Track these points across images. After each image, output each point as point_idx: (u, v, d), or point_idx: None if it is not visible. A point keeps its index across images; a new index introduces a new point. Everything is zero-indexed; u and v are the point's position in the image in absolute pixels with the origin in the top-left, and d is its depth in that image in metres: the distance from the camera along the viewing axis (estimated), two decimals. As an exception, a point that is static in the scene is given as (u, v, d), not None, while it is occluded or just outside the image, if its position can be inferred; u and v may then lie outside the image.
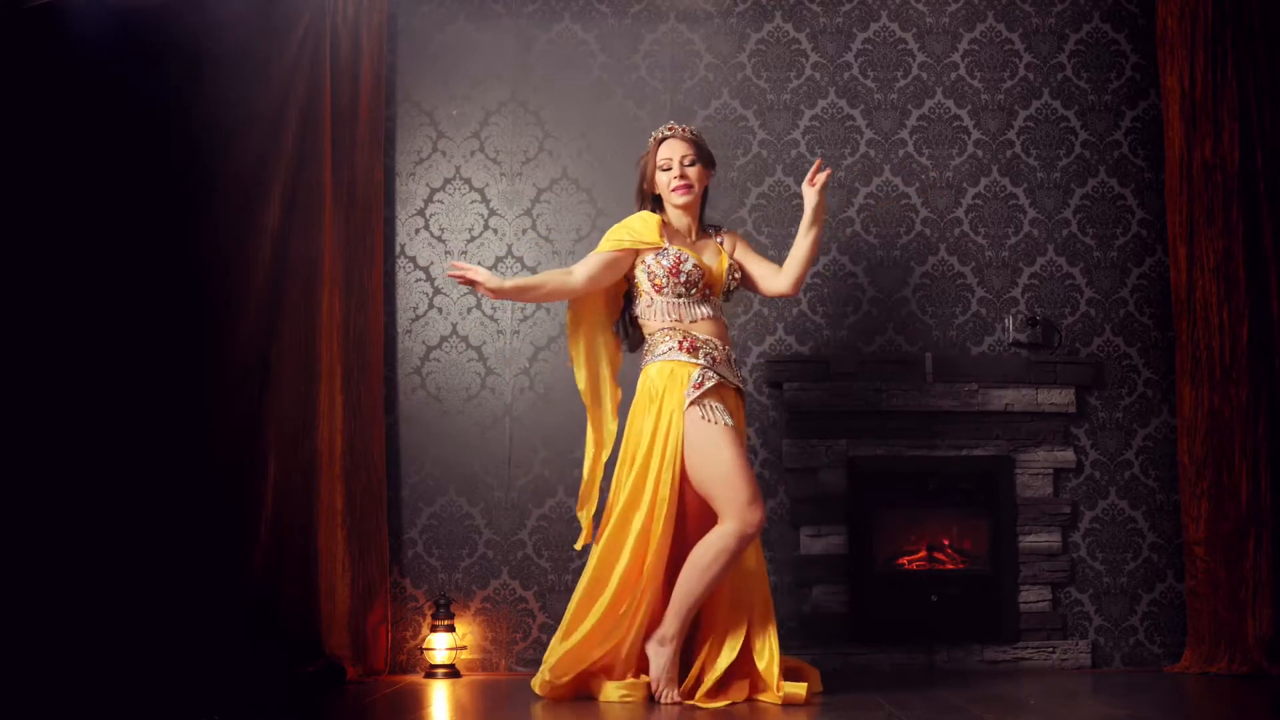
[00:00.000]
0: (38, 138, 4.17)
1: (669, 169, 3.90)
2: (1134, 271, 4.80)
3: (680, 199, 3.90)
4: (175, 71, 4.43)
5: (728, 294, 4.00)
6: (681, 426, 3.72)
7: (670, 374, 3.77)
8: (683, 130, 3.94)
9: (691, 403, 3.71)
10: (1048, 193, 4.81)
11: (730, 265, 3.96)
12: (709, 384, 3.72)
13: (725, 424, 3.70)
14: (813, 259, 3.94)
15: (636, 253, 3.90)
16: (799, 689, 3.68)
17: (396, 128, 4.79)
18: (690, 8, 4.85)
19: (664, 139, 3.94)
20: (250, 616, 4.30)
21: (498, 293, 3.79)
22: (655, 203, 4.02)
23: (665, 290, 3.85)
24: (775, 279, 3.98)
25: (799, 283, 3.95)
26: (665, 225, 3.95)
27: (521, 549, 4.63)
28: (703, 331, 3.85)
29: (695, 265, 3.85)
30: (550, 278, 3.88)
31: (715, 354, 3.81)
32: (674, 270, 3.83)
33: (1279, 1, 4.66)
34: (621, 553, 3.74)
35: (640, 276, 3.90)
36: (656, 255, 3.87)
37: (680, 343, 3.80)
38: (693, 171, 3.90)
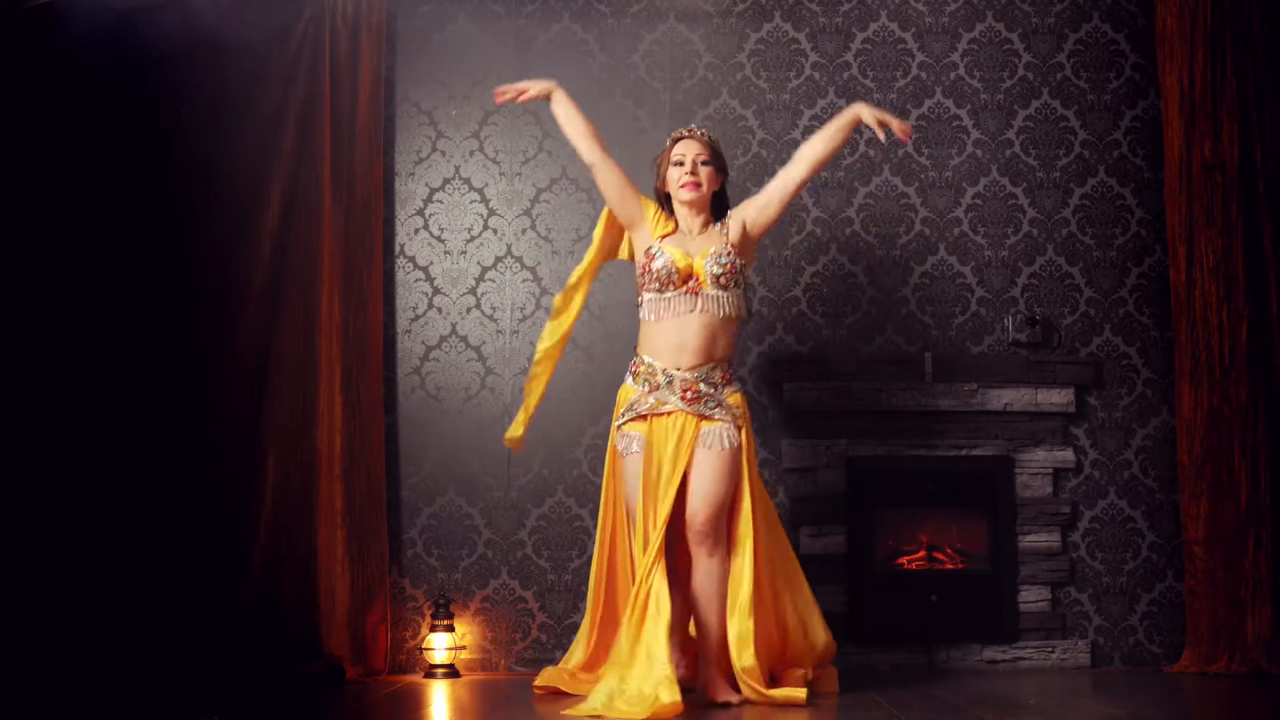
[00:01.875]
0: (37, 137, 4.17)
1: (681, 164, 3.90)
2: (1133, 271, 4.80)
3: (687, 195, 3.88)
4: (174, 71, 4.43)
5: (723, 283, 3.81)
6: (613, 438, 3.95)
7: (621, 396, 3.94)
8: (700, 134, 3.95)
9: (618, 427, 3.91)
10: (1047, 192, 4.81)
11: (713, 253, 3.82)
12: (622, 419, 3.87)
13: (632, 453, 3.84)
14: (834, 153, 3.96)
15: (634, 219, 3.93)
16: (799, 694, 3.68)
17: (396, 127, 4.79)
18: (690, 7, 4.85)
19: (681, 138, 3.95)
20: (250, 617, 4.29)
21: (551, 98, 3.96)
22: (665, 203, 4.00)
23: (646, 286, 3.88)
24: (790, 174, 3.93)
25: (817, 168, 3.95)
26: (670, 223, 3.95)
27: (521, 549, 4.63)
28: (670, 335, 3.82)
29: (668, 260, 3.81)
30: (590, 131, 3.95)
31: (655, 379, 3.82)
32: (646, 267, 3.87)
33: (1279, 1, 4.66)
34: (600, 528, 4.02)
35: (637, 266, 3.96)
36: (646, 249, 3.89)
37: (633, 366, 3.91)
38: (705, 171, 3.89)
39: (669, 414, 3.80)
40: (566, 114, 3.96)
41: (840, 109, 4.79)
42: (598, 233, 4.05)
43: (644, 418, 3.83)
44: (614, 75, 4.82)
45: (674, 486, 3.73)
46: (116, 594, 4.12)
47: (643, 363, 3.86)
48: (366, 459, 4.51)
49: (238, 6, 4.48)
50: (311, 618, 4.39)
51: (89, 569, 4.13)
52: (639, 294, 3.91)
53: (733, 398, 3.85)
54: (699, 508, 3.74)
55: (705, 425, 3.79)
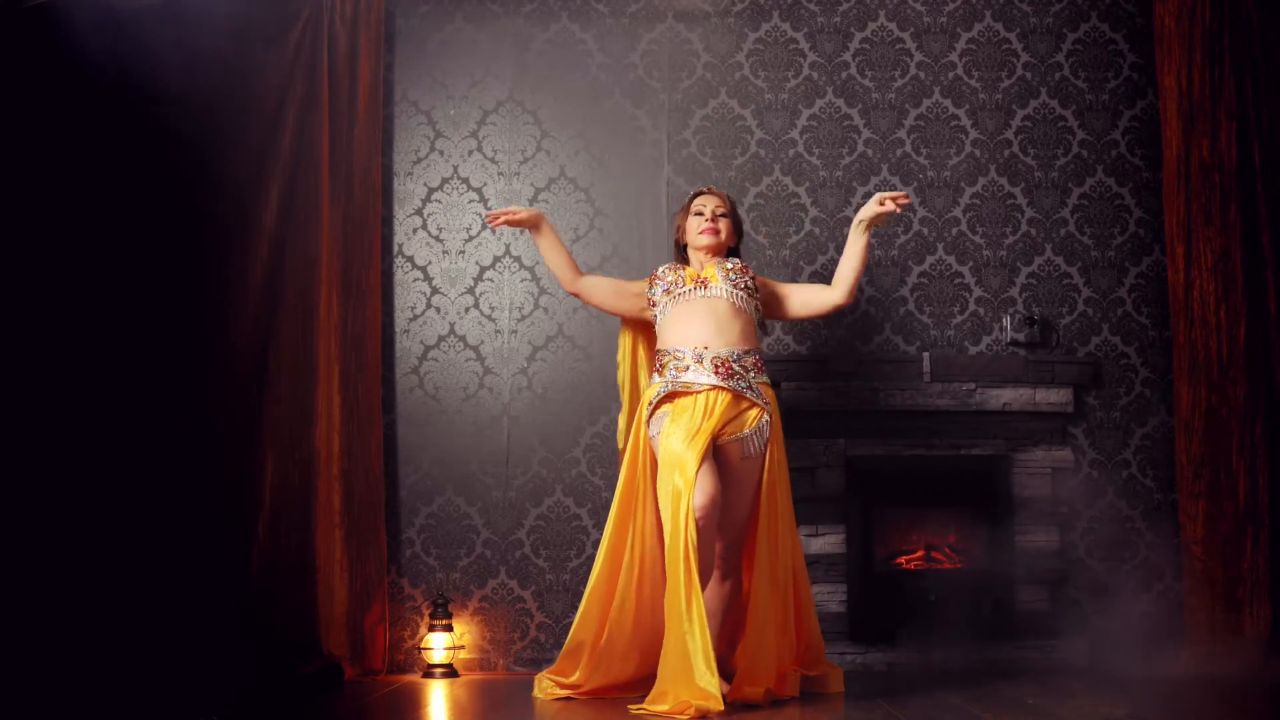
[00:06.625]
0: (35, 137, 4.17)
1: (701, 214, 4.03)
2: (1132, 271, 4.80)
3: (706, 240, 3.98)
4: (173, 71, 4.43)
5: (735, 284, 3.88)
6: (643, 434, 3.84)
7: (647, 395, 3.89)
8: (719, 191, 4.12)
9: (648, 420, 3.83)
10: (1045, 192, 4.81)
11: (726, 265, 3.94)
12: (653, 403, 3.81)
13: (658, 433, 3.75)
14: (864, 265, 3.96)
15: (640, 298, 4.02)
16: (755, 691, 3.65)
17: (394, 127, 4.79)
18: (688, 7, 4.85)
19: (701, 193, 4.09)
20: (248, 616, 4.29)
21: (537, 229, 4.07)
22: (681, 254, 4.08)
23: (657, 301, 3.95)
24: (824, 293, 3.99)
25: (853, 289, 3.95)
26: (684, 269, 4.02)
27: (519, 548, 4.63)
28: (689, 321, 3.83)
29: (680, 273, 3.93)
30: (568, 263, 4.09)
31: (681, 363, 3.79)
32: (655, 280, 3.97)
33: (1277, 1, 4.66)
34: (608, 540, 3.87)
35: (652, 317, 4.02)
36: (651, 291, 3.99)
37: (657, 364, 3.88)
38: (723, 223, 4.02)
39: (698, 392, 3.74)
40: (551, 245, 4.08)
41: (839, 108, 4.82)
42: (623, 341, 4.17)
43: (672, 398, 3.77)
44: (612, 75, 4.82)
45: (705, 438, 3.63)
46: (116, 593, 4.12)
47: (667, 353, 3.83)
48: (365, 458, 4.51)
49: (237, 6, 4.48)
50: (310, 617, 4.39)
51: (89, 568, 4.13)
52: (654, 319, 3.97)
53: (764, 386, 3.84)
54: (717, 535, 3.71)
55: (732, 432, 3.72)
